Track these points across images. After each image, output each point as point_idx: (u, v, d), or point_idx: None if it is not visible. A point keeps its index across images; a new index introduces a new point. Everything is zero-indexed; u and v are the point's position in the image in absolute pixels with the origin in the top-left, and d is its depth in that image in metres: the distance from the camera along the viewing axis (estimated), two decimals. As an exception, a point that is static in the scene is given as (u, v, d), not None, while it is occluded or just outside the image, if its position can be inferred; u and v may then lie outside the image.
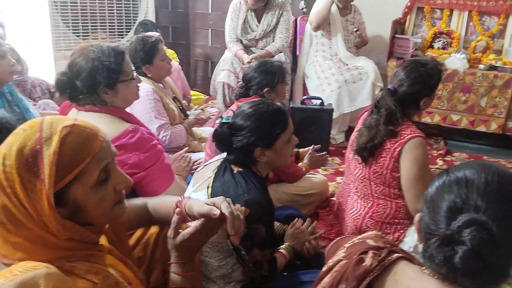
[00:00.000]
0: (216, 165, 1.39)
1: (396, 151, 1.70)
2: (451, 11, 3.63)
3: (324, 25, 3.31)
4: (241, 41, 3.49)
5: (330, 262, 0.88)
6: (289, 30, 3.49)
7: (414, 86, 1.68)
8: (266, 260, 1.26)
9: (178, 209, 0.98)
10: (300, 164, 2.28)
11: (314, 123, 3.02)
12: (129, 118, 1.59)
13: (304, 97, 3.13)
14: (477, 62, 3.33)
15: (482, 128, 3.21)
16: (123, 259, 0.94)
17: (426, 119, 3.33)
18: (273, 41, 3.46)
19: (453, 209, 0.71)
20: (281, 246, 1.51)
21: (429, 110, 3.28)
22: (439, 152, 3.20)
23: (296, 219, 1.65)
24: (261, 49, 3.45)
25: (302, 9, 3.94)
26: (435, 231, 0.73)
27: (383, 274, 0.79)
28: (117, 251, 0.94)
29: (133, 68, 1.62)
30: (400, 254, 0.82)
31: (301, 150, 2.39)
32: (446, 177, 0.77)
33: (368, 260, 0.80)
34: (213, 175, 1.35)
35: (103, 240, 0.91)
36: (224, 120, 1.33)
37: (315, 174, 2.32)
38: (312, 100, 3.11)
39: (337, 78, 3.24)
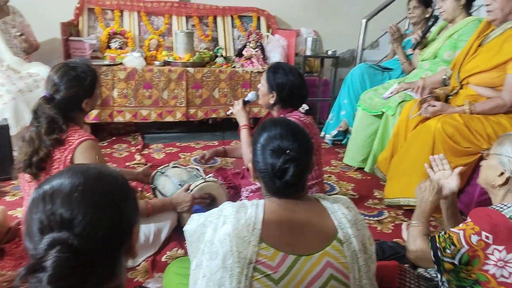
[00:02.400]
0: None
1: (67, 159, 1.60)
2: (122, 12, 3.78)
3: None
4: None
5: None
6: None
7: (70, 90, 1.61)
8: None
9: None
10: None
11: (-11, 144, 2.57)
12: None
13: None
14: (153, 59, 3.61)
15: (170, 119, 3.52)
16: None
17: (119, 118, 3.38)
18: None
19: (42, 230, 0.62)
20: None
21: (119, 109, 3.34)
22: (136, 147, 3.31)
23: None
24: None
25: None
26: (33, 255, 0.62)
27: None
28: None
29: None
30: None
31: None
32: (36, 194, 0.66)
33: None
34: None
35: None
36: None
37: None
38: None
39: (8, 89, 2.83)
